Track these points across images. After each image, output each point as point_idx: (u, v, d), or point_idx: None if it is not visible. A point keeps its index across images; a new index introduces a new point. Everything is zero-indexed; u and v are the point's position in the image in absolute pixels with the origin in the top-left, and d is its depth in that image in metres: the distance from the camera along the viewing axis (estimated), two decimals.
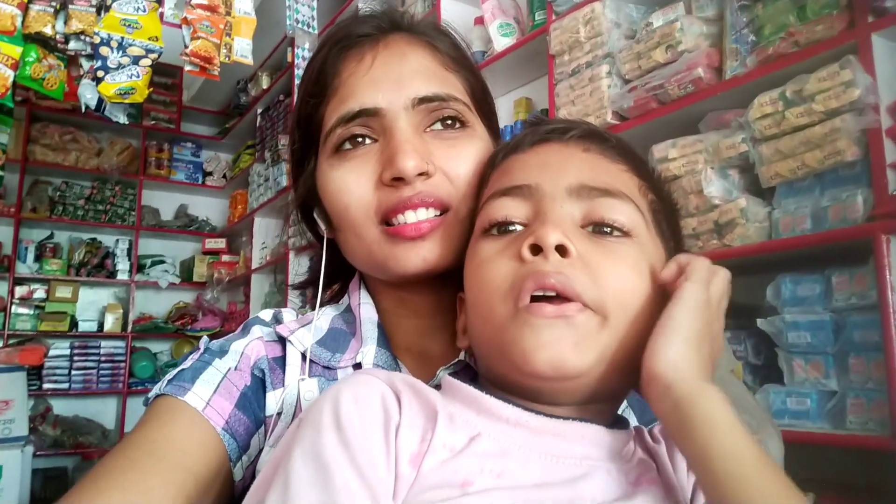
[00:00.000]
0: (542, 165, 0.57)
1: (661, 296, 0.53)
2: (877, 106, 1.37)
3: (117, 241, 4.81)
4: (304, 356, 0.66)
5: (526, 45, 2.32)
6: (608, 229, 0.53)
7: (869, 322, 1.40)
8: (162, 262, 4.92)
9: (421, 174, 0.62)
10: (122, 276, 4.73)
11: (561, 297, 0.49)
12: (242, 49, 2.57)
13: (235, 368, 0.64)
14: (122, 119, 2.52)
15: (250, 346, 0.67)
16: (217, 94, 4.91)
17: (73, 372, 4.53)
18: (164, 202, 5.05)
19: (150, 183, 4.91)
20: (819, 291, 1.51)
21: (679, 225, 0.62)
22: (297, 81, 3.64)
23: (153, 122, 4.88)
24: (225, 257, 4.89)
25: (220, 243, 5.00)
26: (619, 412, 0.66)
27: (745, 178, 1.66)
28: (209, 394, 0.60)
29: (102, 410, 4.67)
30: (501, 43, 2.41)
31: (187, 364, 0.64)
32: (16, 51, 2.15)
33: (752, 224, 1.59)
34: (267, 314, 0.73)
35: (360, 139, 0.65)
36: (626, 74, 1.93)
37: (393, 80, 0.65)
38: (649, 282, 0.52)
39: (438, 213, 0.64)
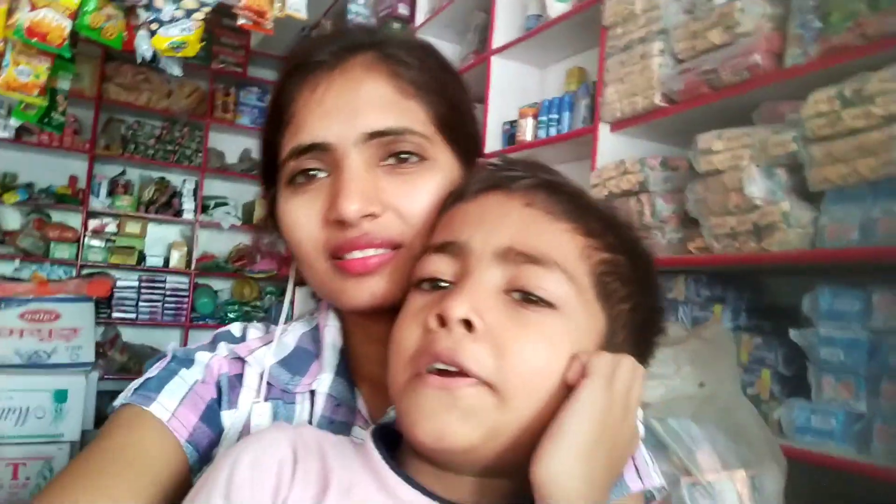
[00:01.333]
0: (479, 220, 0.54)
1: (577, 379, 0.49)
2: None
3: (184, 181, 4.97)
4: (261, 378, 0.66)
5: (581, 13, 2.20)
6: (532, 298, 0.50)
7: None
8: (225, 203, 5.07)
9: (367, 216, 0.60)
10: (188, 215, 4.91)
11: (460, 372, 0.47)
12: (296, 3, 2.54)
13: (202, 381, 0.65)
14: (177, 71, 2.55)
15: (214, 360, 0.67)
16: (283, 40, 4.90)
17: (140, 303, 4.79)
18: (229, 145, 5.16)
19: (216, 126, 5.02)
20: (859, 308, 1.41)
21: (649, 279, 0.57)
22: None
23: (221, 66, 4.95)
24: None
25: None
26: None
27: (792, 179, 1.53)
28: (174, 405, 0.61)
29: (166, 340, 4.93)
30: (556, 9, 2.29)
31: (153, 373, 0.65)
32: (73, 0, 2.19)
33: (794, 229, 1.48)
34: (237, 329, 0.73)
35: (312, 172, 0.63)
36: (679, 54, 1.81)
37: (345, 113, 0.62)
38: (563, 361, 0.49)
39: (388, 250, 0.62)
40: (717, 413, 1.07)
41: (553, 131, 2.33)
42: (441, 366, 0.47)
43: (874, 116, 1.31)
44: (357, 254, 0.61)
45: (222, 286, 5.17)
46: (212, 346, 0.69)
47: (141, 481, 0.56)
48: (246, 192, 5.20)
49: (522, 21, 2.55)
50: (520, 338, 0.48)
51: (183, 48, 2.34)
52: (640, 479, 0.66)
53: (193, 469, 0.61)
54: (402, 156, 0.62)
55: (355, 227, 0.60)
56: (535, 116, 2.41)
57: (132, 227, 4.80)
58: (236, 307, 5.00)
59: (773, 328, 1.66)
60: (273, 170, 0.68)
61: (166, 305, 4.88)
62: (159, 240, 4.98)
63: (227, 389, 0.65)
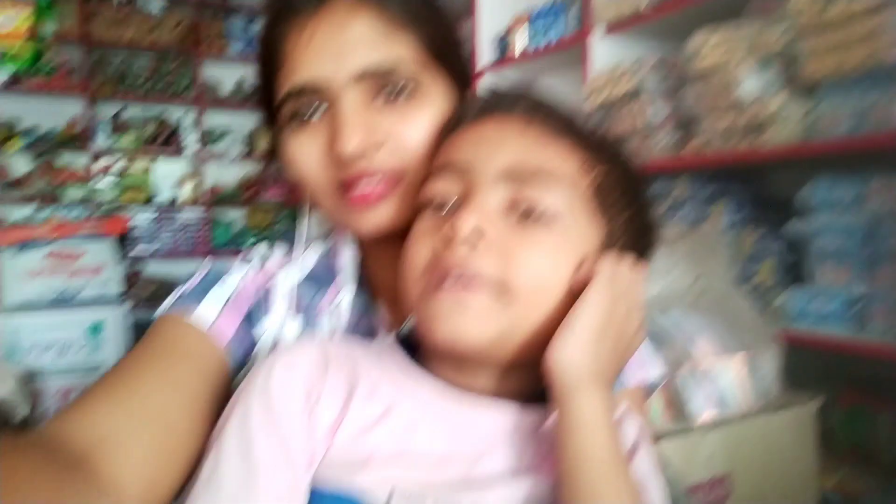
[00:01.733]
0: (479, 142, 0.57)
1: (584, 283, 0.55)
2: None
3: (184, 114, 4.94)
4: (289, 295, 0.71)
5: None
6: (534, 213, 0.54)
7: None
8: (227, 134, 5.06)
9: (366, 150, 0.63)
10: (191, 148, 4.91)
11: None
12: None
13: (239, 291, 0.69)
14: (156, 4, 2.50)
15: (251, 272, 0.72)
16: None
17: (158, 238, 4.87)
18: (223, 75, 5.08)
19: (207, 57, 4.93)
20: (854, 195, 1.45)
21: (640, 195, 0.61)
22: None
23: None
24: None
25: None
26: None
27: (786, 72, 1.54)
28: (214, 313, 0.65)
29: (188, 270, 5.01)
30: None
31: (192, 284, 0.68)
32: None
33: (789, 123, 1.50)
34: (264, 247, 0.77)
35: (309, 111, 0.65)
36: None
37: (334, 53, 0.63)
38: (570, 265, 0.54)
39: (390, 182, 0.65)
40: (712, 304, 1.13)
41: (545, 39, 2.30)
42: (452, 279, 0.52)
43: (861, 6, 1.30)
44: (362, 184, 0.64)
45: (235, 216, 5.23)
46: (244, 261, 0.73)
47: (198, 364, 0.61)
48: (248, 121, 5.17)
49: None
50: (525, 247, 0.53)
51: None
52: (637, 373, 0.73)
53: (231, 373, 0.65)
54: (396, 89, 0.64)
55: (356, 163, 0.63)
56: (528, 22, 2.37)
57: (139, 164, 4.83)
58: (253, 235, 5.08)
59: (773, 220, 1.70)
60: (272, 111, 0.70)
61: (185, 237, 4.96)
62: (167, 175, 5.00)
63: (262, 300, 0.70)
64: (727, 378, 1.08)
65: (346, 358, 0.55)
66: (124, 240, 4.62)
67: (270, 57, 0.67)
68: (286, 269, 0.72)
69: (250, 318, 0.68)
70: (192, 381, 0.60)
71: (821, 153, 1.47)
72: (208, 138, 5.02)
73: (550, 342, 0.51)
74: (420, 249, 0.56)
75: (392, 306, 0.72)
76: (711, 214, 1.79)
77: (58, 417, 0.54)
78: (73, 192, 4.57)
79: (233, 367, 0.65)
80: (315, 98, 0.64)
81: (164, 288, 4.68)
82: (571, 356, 0.50)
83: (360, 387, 0.53)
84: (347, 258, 0.74)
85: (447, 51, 0.68)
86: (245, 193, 5.11)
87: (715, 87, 1.60)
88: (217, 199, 5.03)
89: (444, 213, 0.56)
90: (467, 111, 0.61)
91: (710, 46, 1.59)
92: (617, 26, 1.97)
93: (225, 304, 0.66)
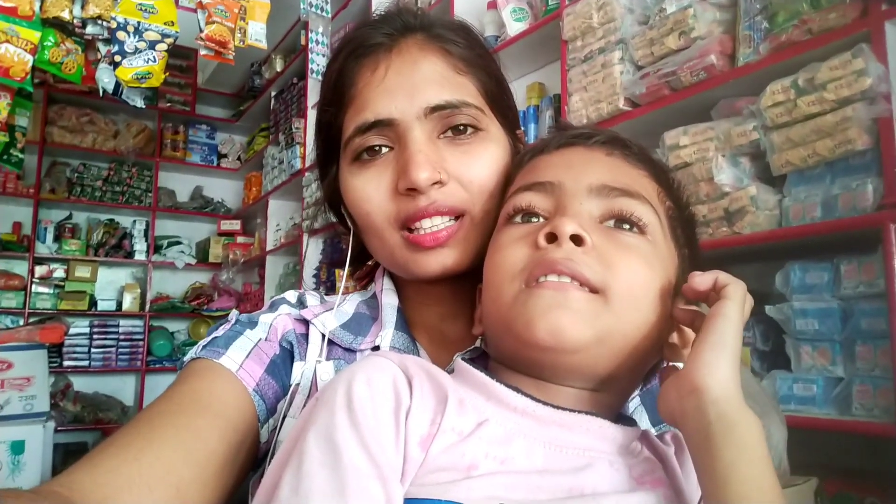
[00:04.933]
0: (566, 166, 0.59)
1: (669, 297, 0.55)
2: (888, 95, 1.36)
3: (134, 222, 4.87)
4: (324, 337, 0.69)
5: (539, 30, 2.31)
6: (626, 225, 0.55)
7: (876, 310, 1.42)
8: (178, 242, 4.99)
9: (434, 183, 0.64)
10: (140, 256, 4.81)
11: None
12: (257, 33, 2.59)
13: (266, 339, 0.68)
14: (139, 103, 2.55)
15: (278, 320, 0.71)
16: (231, 76, 4.93)
17: (93, 350, 4.63)
18: (179, 184, 5.10)
19: (165, 165, 4.96)
20: (827, 279, 1.53)
21: (695, 233, 0.64)
22: (310, 65, 3.66)
23: (168, 105, 4.92)
24: (240, 239, 4.94)
25: (235, 225, 5.05)
26: (630, 413, 0.68)
27: (756, 165, 1.66)
28: (242, 358, 0.64)
29: (122, 388, 4.76)
30: (514, 28, 2.41)
31: (220, 333, 0.68)
32: (34, 35, 2.18)
33: (762, 212, 1.59)
34: (292, 296, 0.76)
35: (376, 148, 0.67)
36: (638, 61, 1.93)
37: (406, 90, 0.66)
38: (659, 280, 0.54)
39: (454, 218, 0.66)
40: None
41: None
42: (553, 278, 0.51)
43: (827, 101, 1.44)
44: (426, 223, 0.65)
45: (179, 327, 5.05)
46: (272, 309, 0.73)
47: (218, 421, 0.58)
48: (199, 230, 5.13)
49: None
50: (623, 252, 0.53)
51: (148, 78, 2.35)
52: None
53: (260, 418, 0.63)
54: (460, 127, 0.67)
55: (425, 195, 0.64)
56: None
57: (82, 272, 4.66)
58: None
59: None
60: (332, 150, 0.73)
61: (120, 350, 4.73)
62: (110, 283, 4.84)
63: (296, 344, 0.69)
64: None
65: (426, 373, 0.53)
66: (58, 350, 4.39)
67: (341, 94, 0.70)
68: (325, 316, 0.71)
69: (275, 365, 0.67)
70: (212, 438, 0.57)
71: (794, 238, 1.55)
72: (159, 245, 4.93)
73: (695, 358, 0.49)
74: (513, 253, 0.55)
75: (432, 347, 0.72)
76: None
77: (67, 472, 0.52)
78: (9, 299, 4.36)
79: (262, 410, 0.64)
80: (385, 132, 0.67)
81: (91, 408, 4.41)
82: (728, 375, 0.48)
83: (449, 400, 0.51)
84: (388, 300, 0.74)
85: (500, 96, 0.73)
86: (192, 303, 4.97)
87: (689, 180, 1.70)
88: (161, 308, 4.86)
89: (531, 224, 0.57)
90: (550, 142, 0.64)
91: (683, 143, 1.71)
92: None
93: (248, 354, 0.65)
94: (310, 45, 3.65)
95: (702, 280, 0.53)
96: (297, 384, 0.67)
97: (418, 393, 0.50)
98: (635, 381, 0.60)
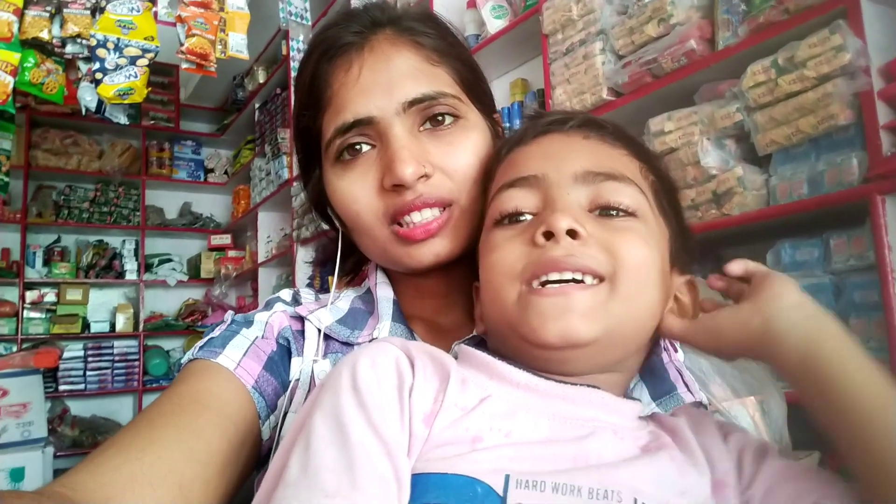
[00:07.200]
0: (546, 156, 0.59)
1: (668, 271, 0.56)
2: (868, 68, 1.38)
3: (124, 241, 4.85)
4: (320, 332, 0.69)
5: (519, 26, 2.33)
6: (614, 212, 0.55)
7: (868, 283, 1.43)
8: (169, 260, 4.97)
9: (420, 177, 0.65)
10: (131, 276, 4.78)
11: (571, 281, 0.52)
12: (237, 44, 2.58)
13: (262, 337, 0.68)
14: (123, 119, 2.54)
15: (274, 318, 0.70)
16: (214, 90, 4.92)
17: (88, 372, 4.59)
18: (167, 201, 5.08)
19: (152, 183, 4.94)
20: (818, 255, 1.54)
21: (679, 202, 0.64)
22: (293, 74, 3.66)
23: (152, 122, 4.90)
24: (231, 253, 4.93)
25: (226, 239, 5.04)
26: (630, 389, 0.69)
27: (741, 147, 1.67)
28: (239, 356, 0.64)
29: (119, 409, 4.73)
30: (494, 25, 2.42)
31: (216, 333, 0.67)
32: (14, 57, 2.17)
33: (749, 192, 1.60)
34: (287, 294, 0.76)
35: (358, 147, 0.67)
36: (619, 50, 1.95)
37: (382, 87, 0.66)
38: (658, 256, 0.55)
39: (442, 209, 0.67)
40: None
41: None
42: (554, 276, 0.52)
43: (808, 79, 1.45)
44: (416, 216, 0.65)
45: (174, 345, 5.02)
46: (267, 308, 0.73)
47: (219, 419, 0.58)
48: (189, 246, 5.11)
49: None
50: (619, 238, 0.54)
51: (130, 94, 2.34)
52: (691, 392, 0.73)
53: (261, 415, 0.63)
54: (439, 118, 0.68)
55: (411, 189, 0.64)
56: None
57: (73, 294, 4.63)
58: None
59: None
60: (314, 154, 0.73)
61: (116, 372, 4.70)
62: (102, 304, 4.81)
63: (293, 340, 0.69)
64: (745, 421, 1.08)
65: (429, 355, 0.54)
66: (53, 375, 4.36)
67: (316, 97, 0.70)
68: (320, 312, 0.71)
69: (273, 362, 0.67)
70: (213, 436, 0.58)
71: (783, 216, 1.56)
72: (150, 264, 4.90)
73: (759, 300, 0.52)
74: (510, 253, 0.55)
75: (429, 337, 0.72)
76: None
77: (69, 473, 0.52)
78: (1, 326, 4.32)
79: (262, 407, 0.64)
80: (365, 131, 0.67)
81: (89, 432, 4.38)
82: (799, 298, 0.51)
83: (452, 378, 0.52)
84: (383, 293, 0.74)
85: (475, 83, 0.74)
86: (186, 320, 4.94)
87: (676, 165, 1.71)
88: (155, 326, 4.84)
89: (521, 224, 0.57)
90: (525, 132, 0.64)
91: (668, 128, 1.72)
92: None
93: (246, 352, 0.65)
94: (291, 54, 3.64)
95: (735, 266, 0.56)
96: (297, 380, 0.67)
97: (421, 372, 0.51)
98: (641, 358, 0.60)
